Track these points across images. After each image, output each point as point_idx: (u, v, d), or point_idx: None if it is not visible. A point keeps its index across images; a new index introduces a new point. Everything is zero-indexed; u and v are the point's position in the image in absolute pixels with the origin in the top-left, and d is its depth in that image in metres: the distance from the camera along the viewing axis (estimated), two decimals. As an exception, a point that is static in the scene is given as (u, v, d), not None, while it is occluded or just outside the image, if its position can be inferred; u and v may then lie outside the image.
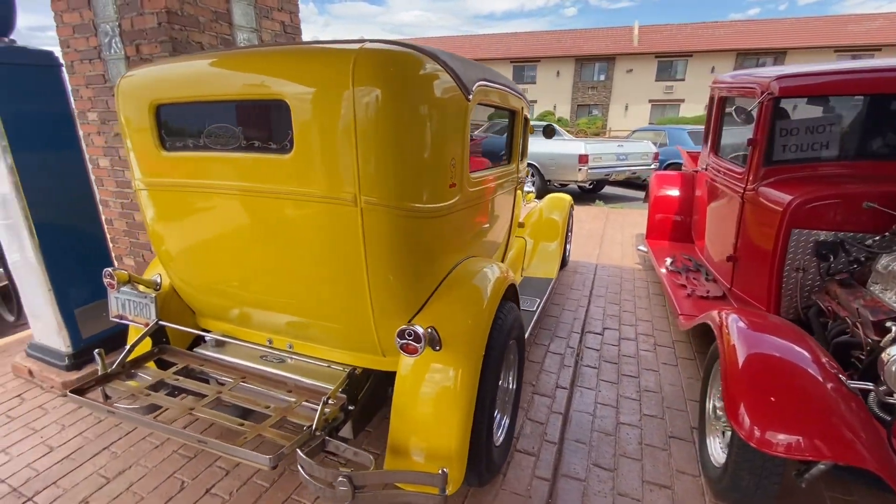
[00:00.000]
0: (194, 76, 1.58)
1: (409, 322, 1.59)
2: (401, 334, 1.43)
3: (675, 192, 4.40)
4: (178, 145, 1.70)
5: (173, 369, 1.81)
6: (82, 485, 1.91)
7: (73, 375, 2.54)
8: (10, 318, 2.77)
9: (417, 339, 1.41)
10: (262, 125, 1.58)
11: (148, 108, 1.68)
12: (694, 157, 4.55)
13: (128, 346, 1.87)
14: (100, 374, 1.71)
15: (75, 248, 2.54)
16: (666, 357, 2.92)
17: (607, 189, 10.03)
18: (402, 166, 1.42)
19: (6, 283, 2.65)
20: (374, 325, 1.60)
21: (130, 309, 1.96)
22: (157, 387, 1.72)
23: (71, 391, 1.57)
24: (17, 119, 2.24)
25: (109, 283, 1.88)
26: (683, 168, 4.87)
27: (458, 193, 1.73)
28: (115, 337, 2.80)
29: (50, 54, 2.36)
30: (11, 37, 2.36)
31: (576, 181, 8.18)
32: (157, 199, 1.80)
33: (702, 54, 26.78)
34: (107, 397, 1.66)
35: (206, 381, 1.84)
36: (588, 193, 9.56)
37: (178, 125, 1.70)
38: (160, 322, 1.91)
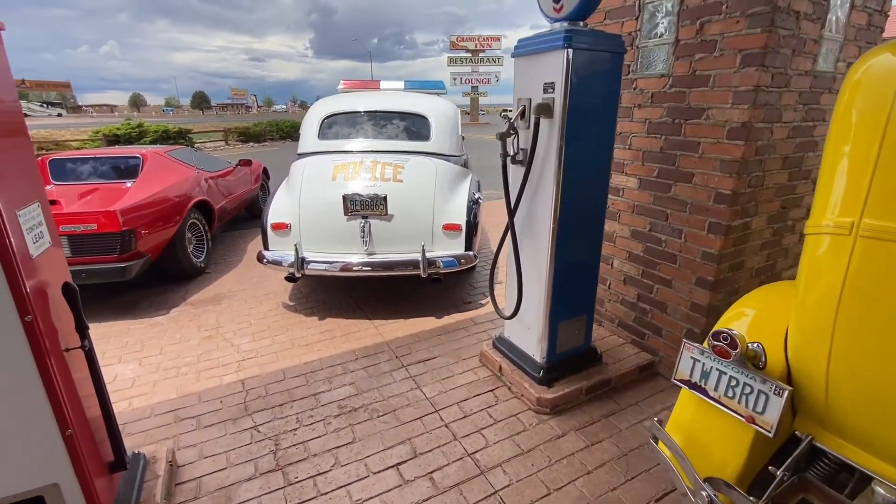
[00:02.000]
0: None
1: None
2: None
3: None
4: None
5: None
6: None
7: (547, 394, 2.32)
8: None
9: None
10: None
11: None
12: None
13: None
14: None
15: (578, 252, 2.28)
16: None
17: None
18: None
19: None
20: None
21: (728, 389, 1.36)
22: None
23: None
24: (580, 115, 2.00)
25: (722, 350, 1.31)
26: None
27: None
28: (577, 358, 2.51)
29: (619, 39, 2.04)
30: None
31: None
32: (868, 251, 1.07)
33: None
34: None
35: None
36: None
37: None
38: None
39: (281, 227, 3.39)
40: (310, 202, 3.41)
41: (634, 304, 2.78)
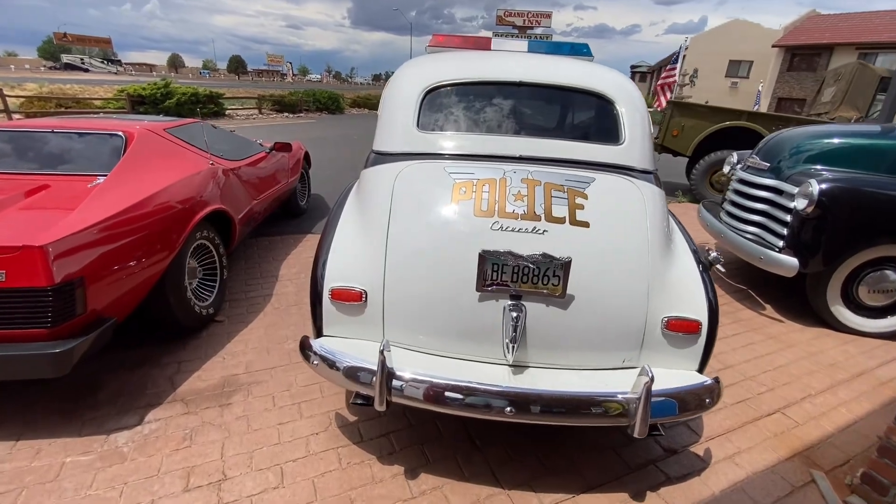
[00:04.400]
0: None
1: None
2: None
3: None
4: None
5: None
6: None
7: None
8: None
9: None
10: None
11: None
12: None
13: None
14: None
15: None
16: None
17: None
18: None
19: None
20: None
21: None
22: None
23: None
24: None
25: None
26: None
27: None
28: None
29: None
30: None
31: None
32: None
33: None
34: None
35: None
36: None
37: None
38: None
39: (349, 298, 1.77)
40: (408, 256, 1.77)
41: None
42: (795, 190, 3.11)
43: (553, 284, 1.65)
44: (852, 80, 6.26)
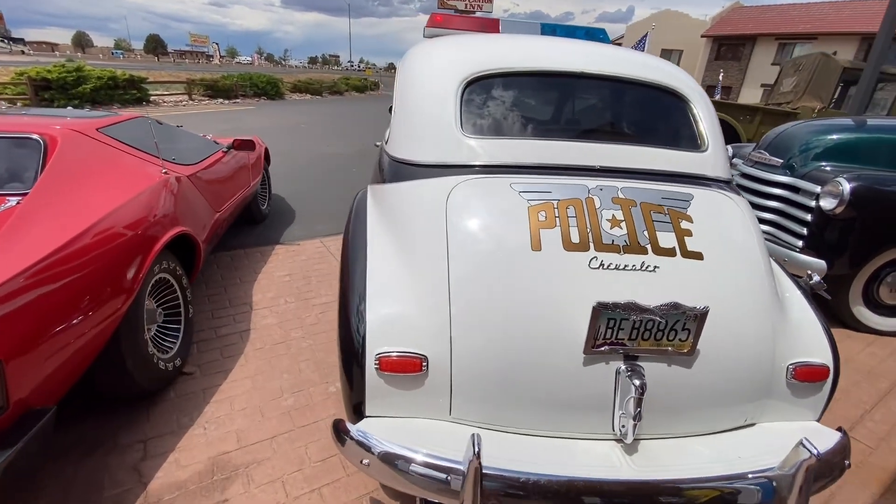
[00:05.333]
0: None
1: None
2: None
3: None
4: None
5: None
6: None
7: None
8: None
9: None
10: None
11: None
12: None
13: None
14: None
15: None
16: None
17: None
18: None
19: None
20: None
21: None
22: None
23: None
24: None
25: None
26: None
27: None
28: None
29: None
30: None
31: None
32: None
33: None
34: None
35: None
36: None
37: None
38: None
39: (405, 368, 1.31)
40: (480, 306, 1.33)
41: None
42: (818, 188, 2.98)
43: (680, 340, 1.29)
44: (815, 71, 6.50)
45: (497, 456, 1.21)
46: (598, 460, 1.29)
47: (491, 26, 2.82)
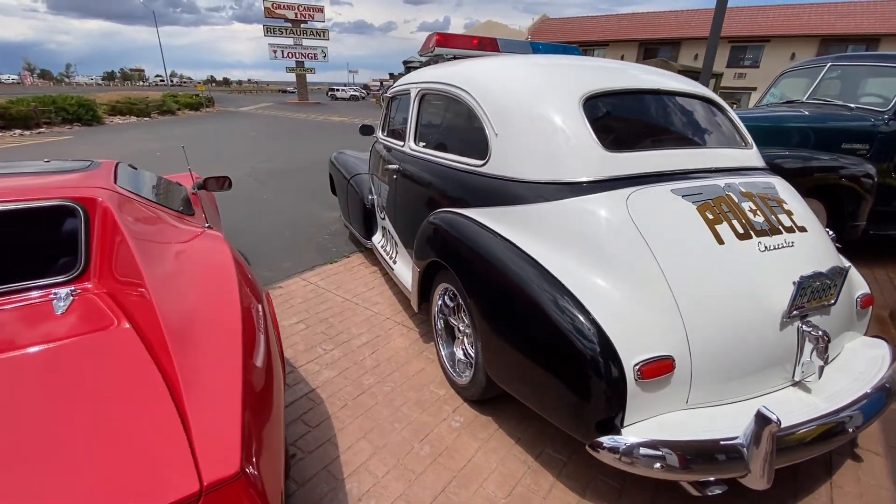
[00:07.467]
0: None
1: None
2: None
3: None
4: None
5: None
6: None
7: None
8: None
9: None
10: None
11: None
12: None
13: None
14: None
15: None
16: None
17: None
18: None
19: None
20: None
21: None
22: None
23: None
24: None
25: None
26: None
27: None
28: None
29: None
30: None
31: None
32: None
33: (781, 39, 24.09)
34: None
35: None
36: None
37: None
38: None
39: (660, 371, 1.41)
40: (700, 300, 1.51)
41: None
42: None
43: (830, 293, 1.66)
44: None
45: (735, 426, 1.41)
46: (793, 406, 1.57)
47: (490, 45, 2.97)
